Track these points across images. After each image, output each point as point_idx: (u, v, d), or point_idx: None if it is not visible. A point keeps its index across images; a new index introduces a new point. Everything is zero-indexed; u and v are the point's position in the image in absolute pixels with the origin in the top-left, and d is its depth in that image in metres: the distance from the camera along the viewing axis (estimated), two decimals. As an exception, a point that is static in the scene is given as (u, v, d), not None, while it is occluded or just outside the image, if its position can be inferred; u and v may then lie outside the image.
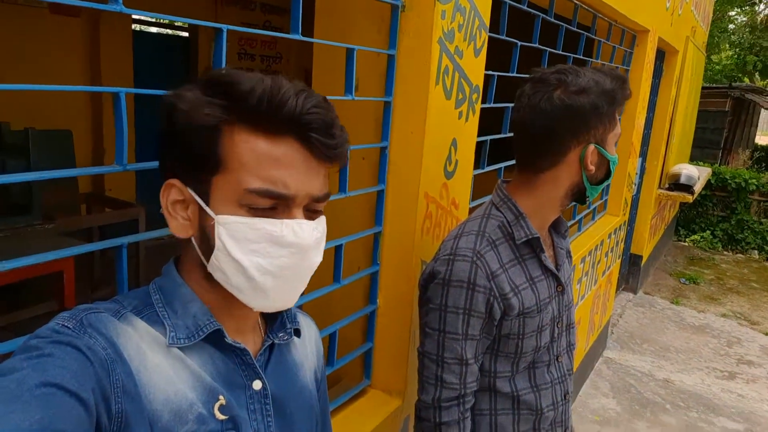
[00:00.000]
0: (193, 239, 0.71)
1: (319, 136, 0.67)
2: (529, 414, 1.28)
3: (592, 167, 1.19)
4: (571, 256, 1.42)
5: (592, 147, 1.17)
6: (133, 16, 5.38)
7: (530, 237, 1.21)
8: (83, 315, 0.65)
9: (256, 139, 0.66)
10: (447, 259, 1.20)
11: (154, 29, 6.74)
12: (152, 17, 0.85)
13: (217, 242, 0.68)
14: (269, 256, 0.68)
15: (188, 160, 0.69)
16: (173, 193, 0.71)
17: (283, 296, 0.72)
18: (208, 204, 0.68)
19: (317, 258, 0.74)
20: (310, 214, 0.72)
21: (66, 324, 0.63)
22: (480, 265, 1.17)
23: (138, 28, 5.83)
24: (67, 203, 4.00)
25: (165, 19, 0.91)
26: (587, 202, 1.27)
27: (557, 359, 1.32)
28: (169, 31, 6.78)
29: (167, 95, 0.68)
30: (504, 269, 1.20)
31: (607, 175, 1.23)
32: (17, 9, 4.41)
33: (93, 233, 3.85)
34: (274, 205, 0.68)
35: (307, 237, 0.69)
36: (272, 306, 0.73)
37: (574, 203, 1.30)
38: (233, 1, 6.24)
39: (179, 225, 0.71)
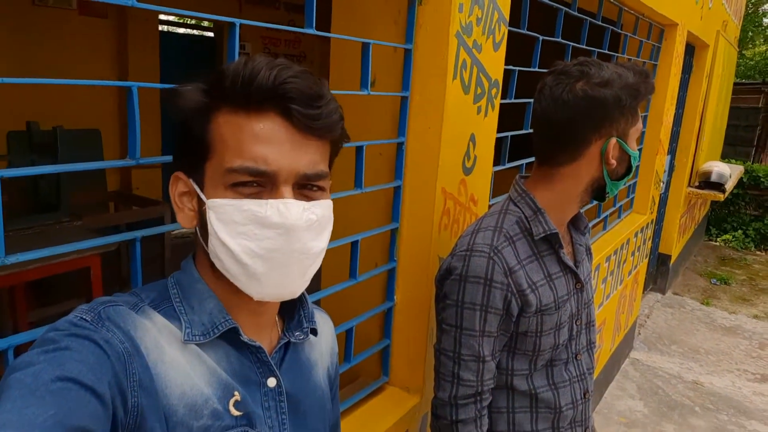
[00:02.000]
0: (197, 229, 0.72)
1: (298, 106, 0.65)
2: (547, 412, 1.25)
3: (613, 161, 1.16)
4: (591, 254, 1.39)
5: (614, 141, 1.14)
6: (160, 16, 5.46)
7: (548, 233, 1.19)
8: (101, 308, 0.65)
9: (237, 117, 0.66)
10: (464, 254, 1.18)
11: (181, 30, 6.83)
12: (162, 10, 0.85)
13: (209, 227, 0.67)
14: (256, 238, 0.66)
15: (186, 149, 0.70)
16: (180, 186, 0.72)
17: (277, 282, 0.69)
18: (203, 191, 0.68)
19: (314, 243, 0.70)
20: (306, 193, 0.69)
21: (84, 317, 0.63)
22: (497, 260, 1.15)
23: (165, 29, 5.92)
24: (95, 201, 4.08)
25: (174, 12, 0.91)
26: (606, 198, 1.24)
27: (576, 357, 1.30)
28: (195, 32, 6.87)
29: (170, 90, 0.70)
30: (522, 265, 1.18)
31: (628, 170, 1.20)
32: (48, 11, 4.51)
33: (120, 231, 3.92)
34: (258, 183, 0.66)
35: (293, 217, 0.66)
36: (270, 293, 0.70)
37: (594, 201, 1.26)
38: (257, 0, 6.30)
39: (185, 216, 0.72)
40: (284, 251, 0.67)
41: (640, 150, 1.21)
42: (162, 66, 5.43)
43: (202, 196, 0.68)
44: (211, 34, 6.60)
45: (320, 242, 0.72)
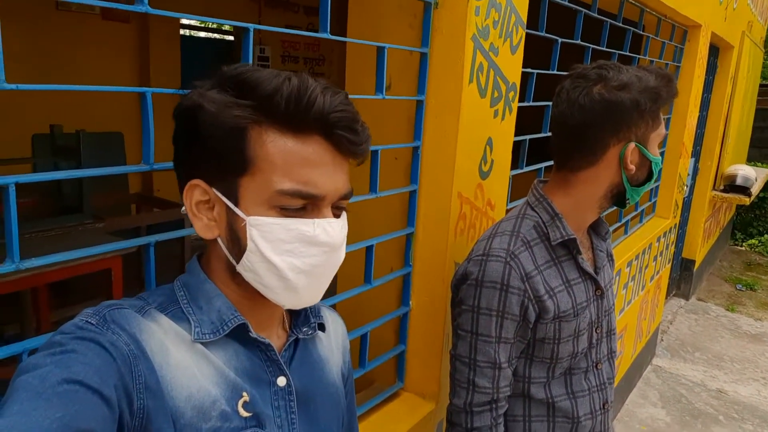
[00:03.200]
0: (219, 240, 0.71)
1: (345, 133, 0.67)
2: (565, 422, 1.23)
3: (632, 167, 1.14)
4: (613, 260, 1.36)
5: (632, 145, 1.12)
6: (181, 21, 5.53)
7: (566, 238, 1.17)
8: (106, 311, 0.65)
9: (285, 138, 0.66)
10: (480, 259, 1.16)
11: (202, 34, 6.91)
12: (179, 16, 0.86)
13: (250, 244, 0.68)
14: (302, 255, 0.69)
15: (214, 160, 0.68)
16: (197, 194, 0.70)
17: (312, 293, 0.73)
18: (237, 205, 0.68)
19: (343, 254, 0.75)
20: (336, 211, 0.72)
21: (89, 320, 0.63)
22: (514, 266, 1.13)
23: (187, 33, 5.99)
24: (118, 204, 4.14)
25: (191, 18, 0.91)
26: (627, 205, 1.22)
27: (596, 366, 1.27)
28: (216, 35, 6.94)
29: (190, 95, 0.68)
30: (539, 271, 1.16)
31: (649, 176, 1.18)
32: (71, 15, 4.59)
33: (141, 233, 3.97)
34: (305, 205, 0.68)
35: (337, 235, 0.70)
36: (302, 303, 0.74)
37: (615, 206, 1.24)
38: (277, 4, 6.34)
39: (204, 226, 0.71)
40: (326, 266, 0.72)
41: (662, 154, 1.17)
42: (183, 69, 5.49)
43: (240, 213, 0.67)
44: (231, 38, 6.67)
45: (344, 251, 0.76)
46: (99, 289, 3.22)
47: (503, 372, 1.16)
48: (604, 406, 1.28)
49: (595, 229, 1.29)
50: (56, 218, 3.09)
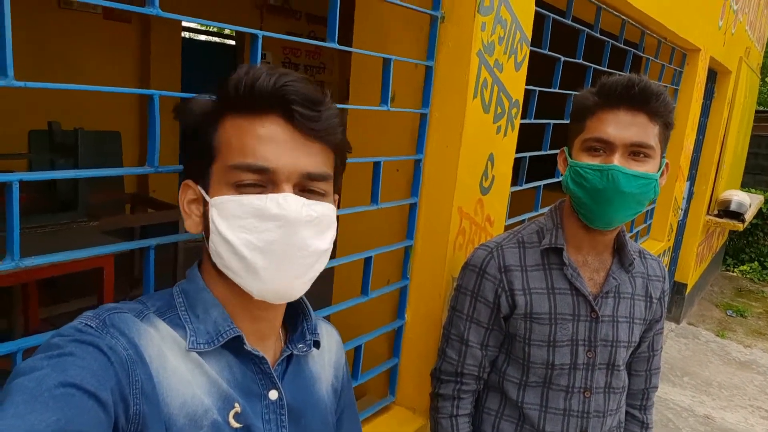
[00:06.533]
0: (203, 234, 0.73)
1: (298, 108, 0.68)
2: (530, 431, 1.24)
3: (561, 168, 1.20)
4: (652, 301, 1.29)
5: (563, 148, 1.20)
6: (183, 24, 5.54)
7: (551, 246, 1.20)
8: (106, 315, 0.65)
9: (241, 120, 0.69)
10: (475, 248, 1.29)
11: (203, 37, 6.92)
12: (185, 19, 0.85)
13: (211, 225, 0.69)
14: (257, 231, 0.68)
15: (194, 157, 0.73)
16: (189, 193, 0.74)
17: (275, 278, 0.69)
18: (207, 193, 0.71)
19: (315, 241, 0.70)
20: (308, 195, 0.71)
21: (89, 323, 0.63)
22: (495, 256, 1.23)
23: (187, 36, 5.99)
24: (113, 203, 4.12)
25: (198, 22, 0.91)
26: (594, 224, 1.15)
27: (584, 393, 1.24)
28: (217, 39, 6.96)
29: (180, 103, 0.73)
30: (523, 269, 1.21)
31: (580, 186, 1.11)
32: (73, 14, 4.59)
33: (135, 233, 3.94)
34: (260, 181, 0.68)
35: (292, 210, 0.67)
36: (270, 290, 0.70)
37: (593, 226, 1.17)
38: (278, 10, 6.36)
39: (192, 222, 0.74)
40: (282, 244, 0.68)
41: (614, 169, 1.08)
42: (183, 71, 5.49)
43: (206, 197, 0.70)
44: (232, 42, 6.68)
45: (321, 242, 0.72)
46: (90, 286, 3.19)
47: (471, 350, 1.25)
48: None
49: (621, 258, 1.25)
50: (50, 215, 3.06)
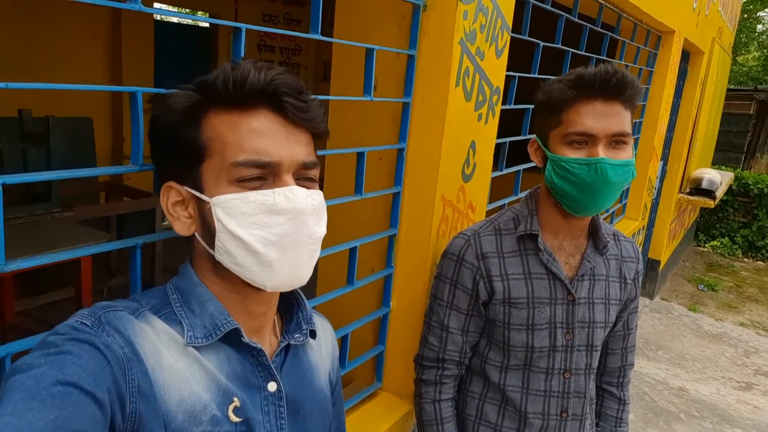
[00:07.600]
0: (197, 235, 0.73)
1: (288, 99, 0.69)
2: (513, 412, 1.28)
3: (536, 159, 1.23)
4: (626, 282, 1.33)
5: (533, 138, 1.22)
6: (154, 4, 5.41)
7: (527, 233, 1.23)
8: (102, 313, 0.65)
9: (232, 116, 0.69)
10: (453, 237, 1.31)
11: (175, 19, 6.76)
12: (174, 16, 0.84)
13: (217, 224, 0.69)
14: (267, 226, 0.69)
15: (178, 156, 0.71)
16: (172, 195, 0.73)
17: (289, 270, 0.72)
18: (202, 192, 0.70)
19: (317, 228, 0.74)
20: (303, 183, 0.73)
21: (85, 321, 0.63)
22: (472, 244, 1.25)
23: (159, 18, 5.85)
24: (86, 192, 4.04)
25: (187, 18, 0.89)
26: (575, 212, 1.18)
27: (564, 374, 1.27)
28: (190, 21, 6.81)
29: (154, 97, 0.72)
30: (500, 255, 1.24)
31: (563, 178, 1.13)
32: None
33: (111, 222, 3.88)
34: (263, 175, 0.69)
35: (301, 201, 0.70)
36: (284, 280, 0.72)
37: (573, 213, 1.19)
38: (254, -8, 6.25)
39: (182, 224, 0.73)
40: (295, 235, 0.70)
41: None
42: (156, 53, 5.38)
43: (203, 197, 0.69)
44: (206, 25, 6.54)
45: (321, 227, 0.75)
46: (67, 278, 3.14)
47: (452, 336, 1.28)
48: (561, 414, 1.29)
49: (595, 241, 1.28)
50: (24, 206, 3.00)
